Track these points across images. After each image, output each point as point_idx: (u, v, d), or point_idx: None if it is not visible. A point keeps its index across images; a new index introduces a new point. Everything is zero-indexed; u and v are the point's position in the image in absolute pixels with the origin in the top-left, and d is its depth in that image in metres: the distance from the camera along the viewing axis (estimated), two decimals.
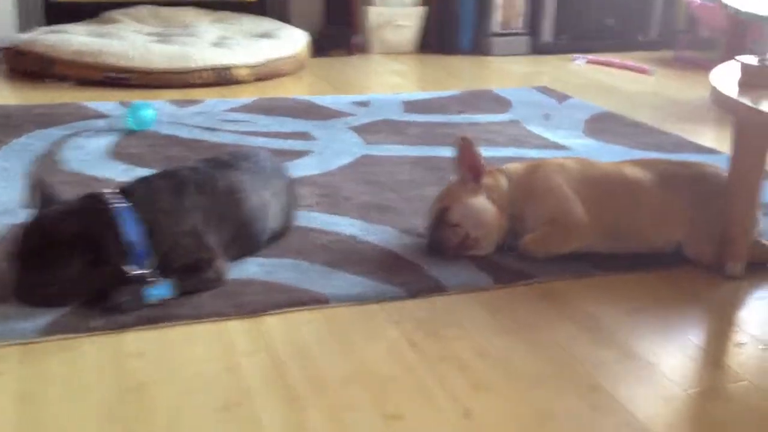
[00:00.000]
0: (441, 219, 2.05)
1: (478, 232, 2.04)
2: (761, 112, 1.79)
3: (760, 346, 1.67)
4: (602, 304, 1.84)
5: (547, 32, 5.12)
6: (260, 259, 1.99)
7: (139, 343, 1.62)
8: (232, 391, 1.48)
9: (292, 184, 2.22)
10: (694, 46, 5.10)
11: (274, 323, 1.73)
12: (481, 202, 2.07)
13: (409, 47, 5.15)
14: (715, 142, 3.17)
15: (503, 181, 2.11)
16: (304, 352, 1.63)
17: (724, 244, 1.97)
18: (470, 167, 2.09)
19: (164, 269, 1.79)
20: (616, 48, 5.15)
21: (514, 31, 5.08)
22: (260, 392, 1.48)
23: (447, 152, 2.93)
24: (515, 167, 2.17)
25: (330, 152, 2.94)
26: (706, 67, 4.68)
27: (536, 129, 3.29)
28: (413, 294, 1.88)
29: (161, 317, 1.71)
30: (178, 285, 1.77)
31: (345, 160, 2.86)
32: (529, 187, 2.09)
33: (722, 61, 2.33)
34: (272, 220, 2.06)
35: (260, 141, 3.02)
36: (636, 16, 5.29)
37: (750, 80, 1.94)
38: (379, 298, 1.85)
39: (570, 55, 5.00)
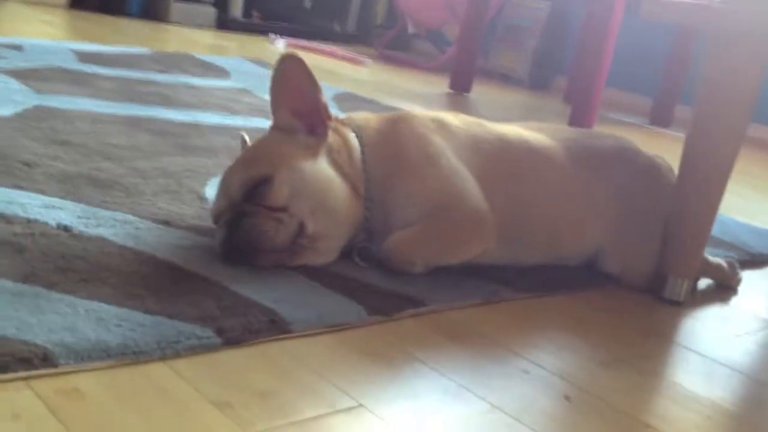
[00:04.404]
0: (253, 197, 1.11)
1: (320, 222, 1.14)
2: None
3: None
4: (531, 339, 1.06)
5: (237, 6, 4.26)
6: None
7: None
8: None
9: None
10: (396, 46, 4.63)
11: None
12: (324, 172, 1.16)
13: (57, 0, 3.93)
14: None
15: (353, 141, 1.24)
16: None
17: (669, 255, 1.32)
18: (304, 109, 1.18)
19: None
20: (311, 35, 4.46)
21: None
22: None
23: (172, 114, 1.97)
24: (365, 119, 1.28)
25: None
26: (414, 64, 4.22)
27: None
28: (233, 339, 0.93)
29: None
30: None
31: (6, 110, 1.72)
32: (395, 153, 1.23)
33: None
34: None
35: None
36: (334, 5, 4.65)
37: None
38: (168, 350, 0.87)
39: (265, 36, 4.20)
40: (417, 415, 0.86)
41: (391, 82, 3.52)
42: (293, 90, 1.17)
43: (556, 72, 4.36)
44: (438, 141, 1.24)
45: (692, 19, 1.32)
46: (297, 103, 1.17)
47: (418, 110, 1.32)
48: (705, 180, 1.29)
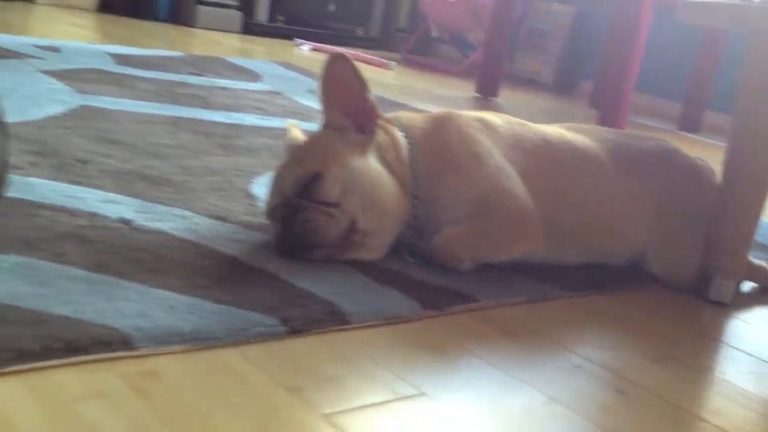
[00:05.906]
0: (305, 194, 1.14)
1: (372, 218, 1.17)
2: None
3: None
4: (581, 336, 1.09)
5: (262, 11, 4.31)
6: None
7: None
8: None
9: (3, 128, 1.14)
10: (419, 50, 4.67)
11: (20, 393, 0.71)
12: (374, 169, 1.19)
13: (85, 3, 3.99)
14: None
15: (401, 139, 1.26)
16: None
17: (713, 255, 1.34)
18: (353, 107, 1.21)
19: None
20: (335, 41, 4.50)
21: (223, 2, 4.19)
22: None
23: (211, 115, 2.01)
24: (410, 118, 1.31)
25: (20, 97, 1.82)
26: (439, 68, 4.26)
27: (309, 103, 2.46)
28: (297, 328, 0.96)
29: None
30: None
31: (53, 109, 1.77)
32: (442, 152, 1.25)
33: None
34: None
35: None
36: (357, 9, 4.70)
37: None
38: (239, 336, 0.90)
39: (289, 40, 4.25)
40: (477, 405, 0.88)
41: (416, 85, 3.55)
42: (342, 89, 1.20)
43: (580, 76, 4.38)
44: (484, 140, 1.27)
45: (733, 21, 1.34)
46: (346, 101, 1.20)
47: (459, 111, 1.34)
48: (750, 182, 1.31)
